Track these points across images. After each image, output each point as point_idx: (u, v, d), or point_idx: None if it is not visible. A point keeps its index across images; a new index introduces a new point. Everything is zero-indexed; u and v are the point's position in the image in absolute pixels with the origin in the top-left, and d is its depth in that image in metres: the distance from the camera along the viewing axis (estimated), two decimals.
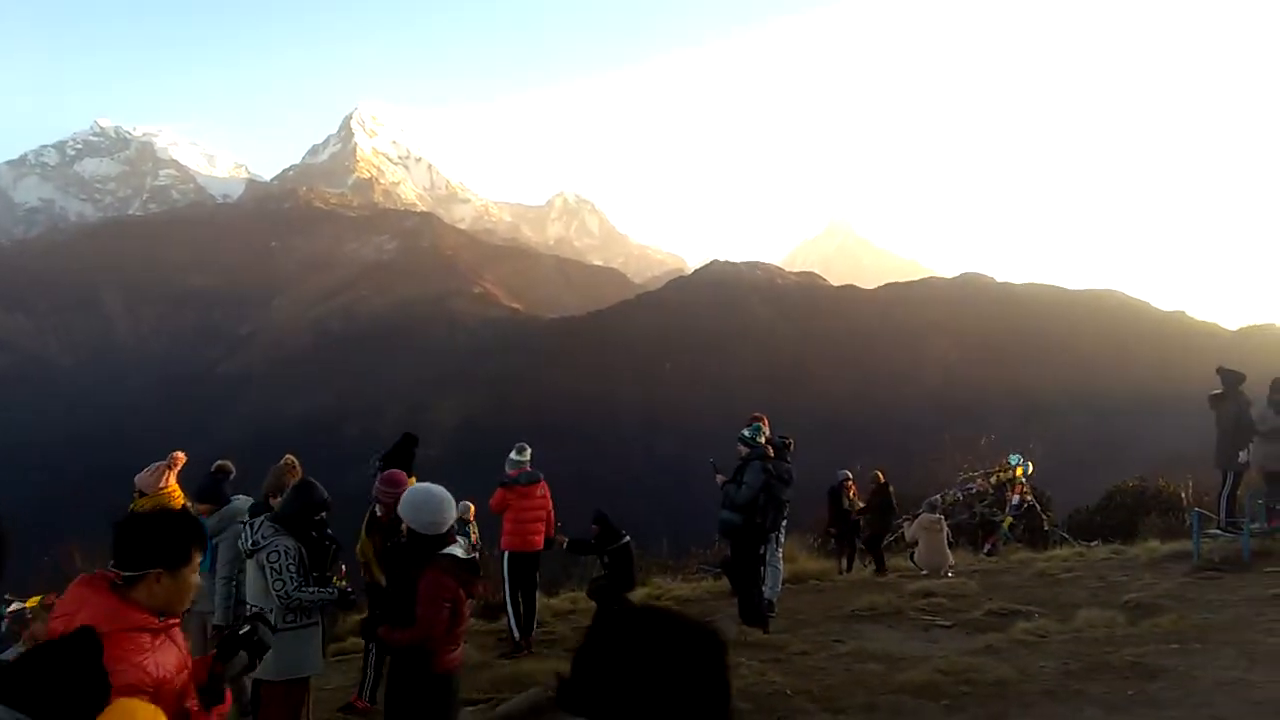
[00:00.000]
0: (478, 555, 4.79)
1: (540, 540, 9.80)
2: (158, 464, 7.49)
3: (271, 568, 5.17)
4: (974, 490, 19.47)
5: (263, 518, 5.56)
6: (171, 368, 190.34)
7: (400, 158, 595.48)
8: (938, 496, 17.59)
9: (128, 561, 2.75)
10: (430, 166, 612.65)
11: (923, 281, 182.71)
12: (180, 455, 7.52)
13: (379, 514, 7.34)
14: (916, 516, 14.82)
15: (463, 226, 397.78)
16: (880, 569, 14.95)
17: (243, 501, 7.00)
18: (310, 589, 5.30)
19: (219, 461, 8.18)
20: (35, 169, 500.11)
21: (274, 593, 5.18)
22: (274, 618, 5.16)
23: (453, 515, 4.60)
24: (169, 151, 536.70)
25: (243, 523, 6.21)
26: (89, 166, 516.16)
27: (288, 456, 7.75)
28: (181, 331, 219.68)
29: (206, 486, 7.32)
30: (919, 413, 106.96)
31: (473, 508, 13.28)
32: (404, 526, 4.70)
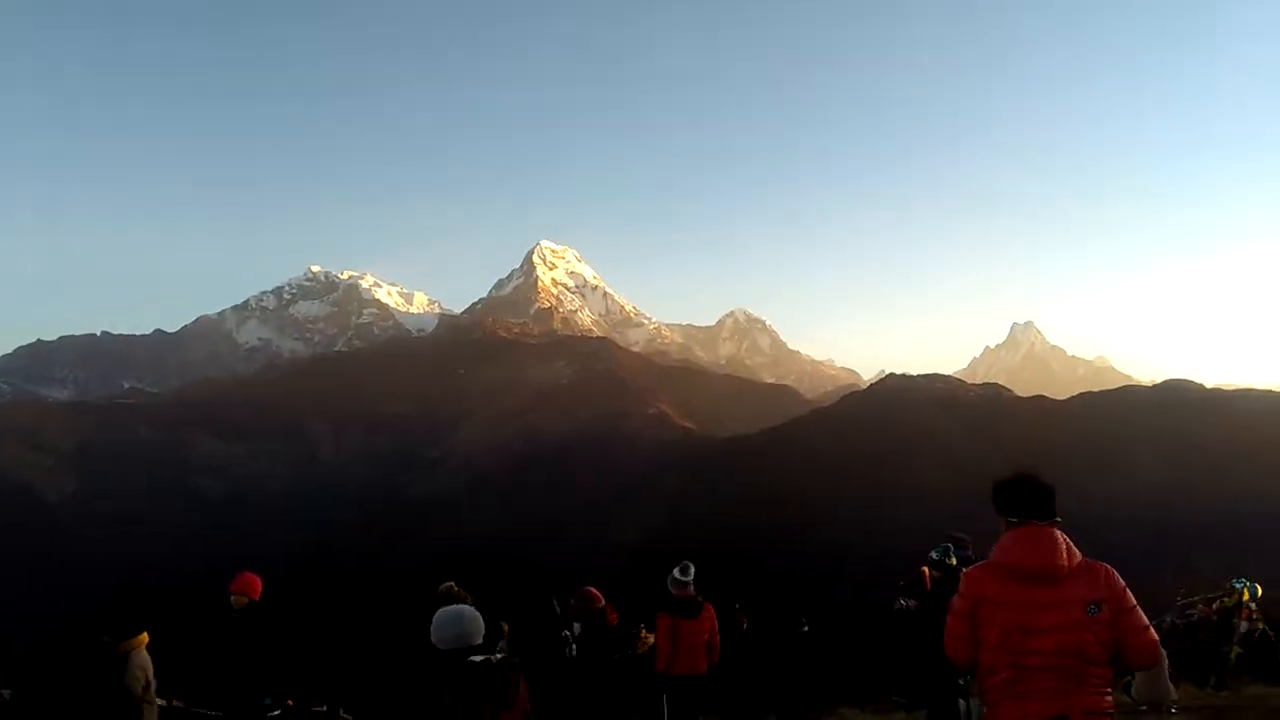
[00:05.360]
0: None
1: (703, 666, 9.26)
2: None
3: None
4: (1195, 618, 17.94)
5: None
6: (369, 489, 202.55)
7: (578, 287, 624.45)
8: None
9: None
10: (605, 294, 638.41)
11: (1120, 390, 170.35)
12: None
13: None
14: None
15: (637, 349, 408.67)
16: None
17: None
18: None
19: None
20: (255, 313, 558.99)
21: None
22: None
23: (472, 631, 4.54)
24: (372, 292, 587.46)
25: None
26: (302, 309, 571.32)
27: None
28: (379, 455, 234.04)
29: None
30: (1124, 532, 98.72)
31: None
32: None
